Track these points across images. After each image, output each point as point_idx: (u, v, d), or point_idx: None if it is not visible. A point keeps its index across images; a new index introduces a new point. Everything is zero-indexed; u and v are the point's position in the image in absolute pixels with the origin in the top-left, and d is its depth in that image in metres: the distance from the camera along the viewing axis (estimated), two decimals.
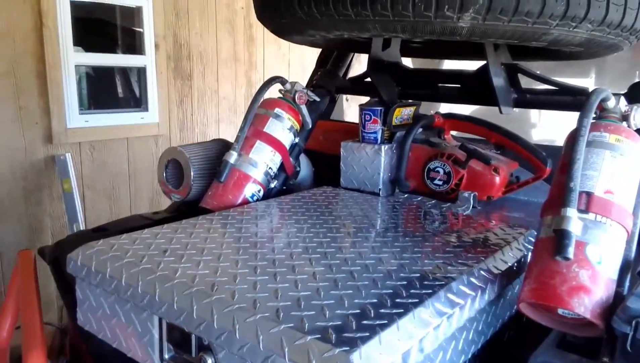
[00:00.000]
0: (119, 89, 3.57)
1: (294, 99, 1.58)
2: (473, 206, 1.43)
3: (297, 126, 1.58)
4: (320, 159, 1.84)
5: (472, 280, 0.95)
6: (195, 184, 1.49)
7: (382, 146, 1.55)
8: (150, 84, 3.41)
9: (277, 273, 0.91)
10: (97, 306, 0.98)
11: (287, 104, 1.56)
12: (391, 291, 0.86)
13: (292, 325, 0.73)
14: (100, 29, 3.43)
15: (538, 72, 1.54)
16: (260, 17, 1.33)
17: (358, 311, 0.78)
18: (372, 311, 0.78)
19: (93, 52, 3.21)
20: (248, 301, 0.80)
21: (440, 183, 1.50)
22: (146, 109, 3.43)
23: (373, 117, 1.58)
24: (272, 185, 1.56)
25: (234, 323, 0.76)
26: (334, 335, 0.70)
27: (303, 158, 1.77)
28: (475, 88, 1.47)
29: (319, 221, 1.23)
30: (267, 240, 1.09)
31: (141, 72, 3.40)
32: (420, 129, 1.60)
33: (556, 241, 0.91)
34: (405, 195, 1.56)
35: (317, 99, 1.64)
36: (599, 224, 0.92)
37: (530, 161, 1.45)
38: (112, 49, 3.40)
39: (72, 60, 3.03)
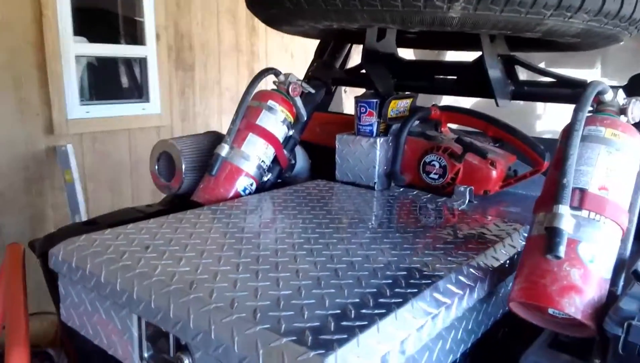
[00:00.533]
0: (121, 80, 3.55)
1: (287, 91, 1.55)
2: (469, 201, 1.40)
3: (290, 119, 1.55)
4: (317, 151, 1.81)
5: (461, 277, 0.92)
6: (187, 177, 1.47)
7: (378, 139, 1.52)
8: (152, 75, 3.39)
9: (260, 271, 0.89)
10: (79, 303, 0.97)
11: (281, 96, 1.53)
12: (375, 290, 0.84)
13: (268, 326, 0.71)
14: (101, 19, 3.41)
15: (542, 63, 1.50)
16: (250, 7, 1.30)
17: (338, 311, 0.76)
18: (352, 311, 0.76)
19: (95, 42, 3.19)
20: (226, 301, 0.78)
21: (436, 176, 1.47)
22: (148, 100, 3.41)
23: (368, 109, 1.55)
24: (266, 178, 1.54)
25: (210, 324, 0.74)
26: (310, 337, 0.68)
27: (299, 151, 1.74)
28: (471, 80, 1.44)
29: (308, 216, 1.21)
30: (254, 236, 1.06)
31: (142, 62, 3.38)
32: (417, 122, 1.57)
33: (547, 239, 0.88)
34: (401, 189, 1.53)
35: (312, 90, 1.61)
36: (593, 222, 0.89)
37: (528, 154, 1.42)
38: (113, 40, 3.37)
39: (72, 50, 3.01)
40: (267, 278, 0.86)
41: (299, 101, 1.58)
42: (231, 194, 1.42)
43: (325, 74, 1.74)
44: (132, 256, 0.93)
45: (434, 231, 1.18)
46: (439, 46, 1.81)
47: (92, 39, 3.18)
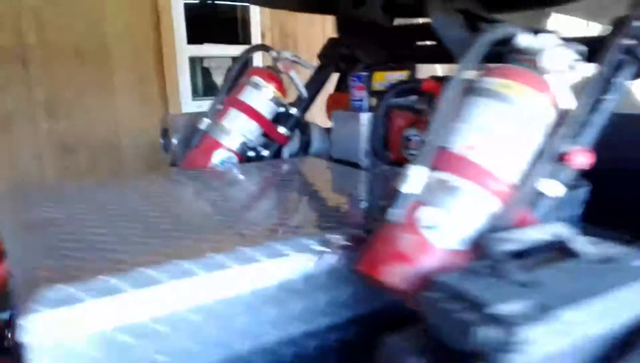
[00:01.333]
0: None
1: (279, 68, 1.55)
2: None
3: (279, 95, 1.55)
4: None
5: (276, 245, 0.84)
6: (180, 150, 1.57)
7: (362, 114, 1.43)
8: None
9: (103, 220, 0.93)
10: None
11: (267, 72, 1.54)
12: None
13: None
14: (212, 23, 3.74)
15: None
16: None
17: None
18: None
19: (205, 43, 3.54)
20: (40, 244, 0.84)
21: (415, 152, 1.34)
22: None
23: (358, 83, 1.47)
24: (253, 153, 1.54)
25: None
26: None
27: (317, 131, 1.72)
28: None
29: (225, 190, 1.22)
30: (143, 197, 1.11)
31: (249, 61, 3.62)
32: (415, 97, 1.44)
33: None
34: (386, 167, 1.42)
35: (306, 66, 1.59)
36: (445, 184, 0.75)
37: None
38: (222, 41, 3.68)
39: (185, 53, 3.39)
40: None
41: (296, 78, 1.57)
42: (208, 166, 1.48)
43: (333, 51, 1.69)
44: (33, 207, 1.04)
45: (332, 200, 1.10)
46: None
47: (203, 40, 3.53)
